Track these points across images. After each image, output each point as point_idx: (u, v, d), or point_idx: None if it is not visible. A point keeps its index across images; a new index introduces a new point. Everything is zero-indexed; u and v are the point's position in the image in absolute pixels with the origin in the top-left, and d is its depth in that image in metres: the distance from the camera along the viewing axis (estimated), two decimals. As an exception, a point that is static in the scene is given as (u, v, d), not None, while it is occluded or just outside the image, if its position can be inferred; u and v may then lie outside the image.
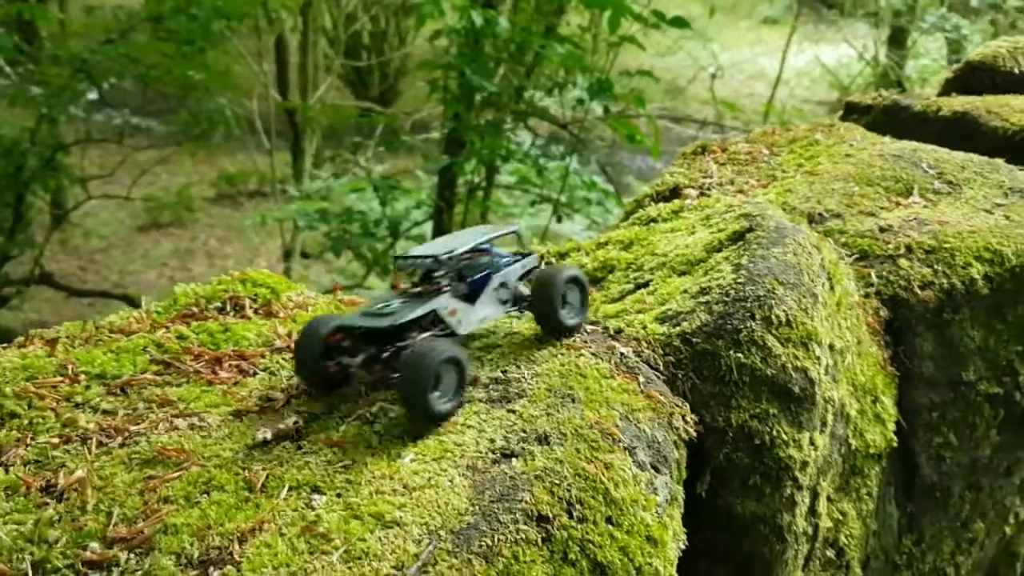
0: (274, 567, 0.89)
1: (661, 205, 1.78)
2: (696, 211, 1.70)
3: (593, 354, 1.26)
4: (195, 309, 1.46)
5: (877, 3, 14.06)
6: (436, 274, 1.27)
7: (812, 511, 1.37)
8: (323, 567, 0.89)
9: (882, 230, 1.84)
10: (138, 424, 1.13)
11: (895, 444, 1.66)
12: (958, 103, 2.48)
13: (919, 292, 1.72)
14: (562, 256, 1.72)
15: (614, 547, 1.01)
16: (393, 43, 16.69)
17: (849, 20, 16.52)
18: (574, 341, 1.28)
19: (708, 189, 1.95)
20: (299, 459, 1.05)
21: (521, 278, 1.34)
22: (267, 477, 1.02)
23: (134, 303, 1.80)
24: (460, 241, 1.30)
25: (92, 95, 8.28)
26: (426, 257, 1.26)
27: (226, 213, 11.94)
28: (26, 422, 1.14)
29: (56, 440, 1.10)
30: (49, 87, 7.75)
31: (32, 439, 1.10)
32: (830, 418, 1.37)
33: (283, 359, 1.30)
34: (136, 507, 0.98)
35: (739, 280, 1.34)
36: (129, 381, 1.22)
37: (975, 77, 3.01)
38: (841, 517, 1.53)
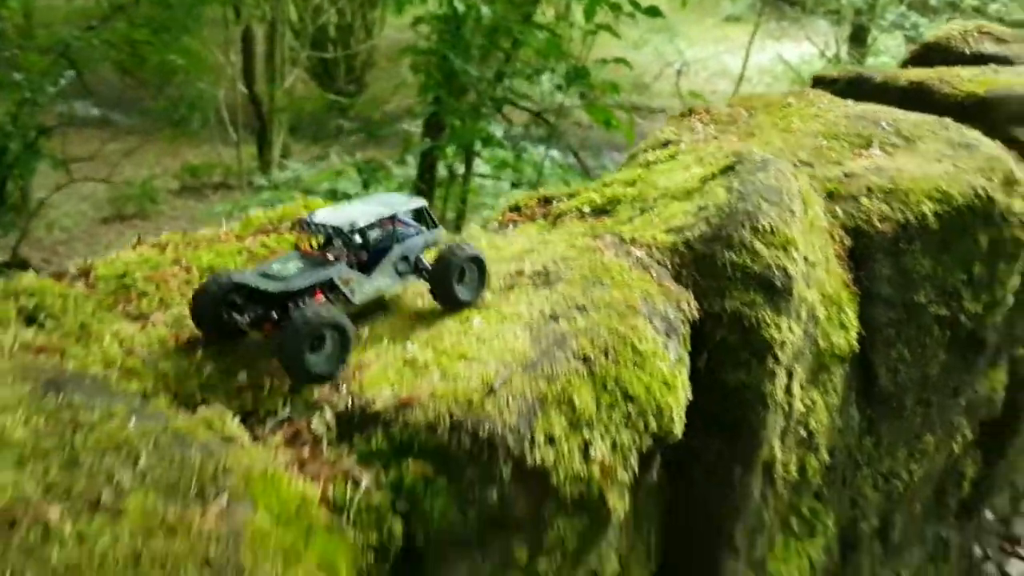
0: (389, 383, 1.16)
1: (659, 151, 2.07)
2: (689, 154, 1.99)
3: (614, 255, 1.54)
4: (269, 227, 1.72)
5: (838, 1, 14.45)
6: (336, 241, 1.31)
7: (788, 390, 1.66)
8: (425, 383, 1.16)
9: (846, 175, 2.14)
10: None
11: (856, 351, 1.96)
12: (914, 74, 2.79)
13: (878, 225, 2.02)
14: (571, 197, 1.99)
15: (640, 384, 1.29)
16: (359, 36, 16.82)
17: (811, 18, 16.85)
18: (598, 243, 1.56)
19: (696, 144, 2.24)
20: (391, 321, 1.32)
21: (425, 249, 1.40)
22: (368, 331, 1.29)
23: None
24: (366, 211, 1.33)
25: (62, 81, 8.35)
26: (328, 226, 1.29)
27: (190, 205, 11.98)
28: (157, 299, 1.39)
29: (185, 311, 1.36)
30: (31, 72, 7.85)
31: (166, 309, 1.36)
32: (804, 314, 1.66)
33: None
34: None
35: (731, 198, 1.63)
36: (234, 272, 1.48)
37: (930, 55, 3.34)
38: (811, 404, 1.83)
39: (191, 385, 1.19)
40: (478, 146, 7.31)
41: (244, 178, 10.40)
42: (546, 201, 2.04)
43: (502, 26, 7.03)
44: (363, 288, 1.30)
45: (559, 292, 1.41)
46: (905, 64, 3.42)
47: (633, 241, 1.60)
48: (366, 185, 7.26)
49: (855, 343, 1.94)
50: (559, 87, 6.72)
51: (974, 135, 2.35)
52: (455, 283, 1.37)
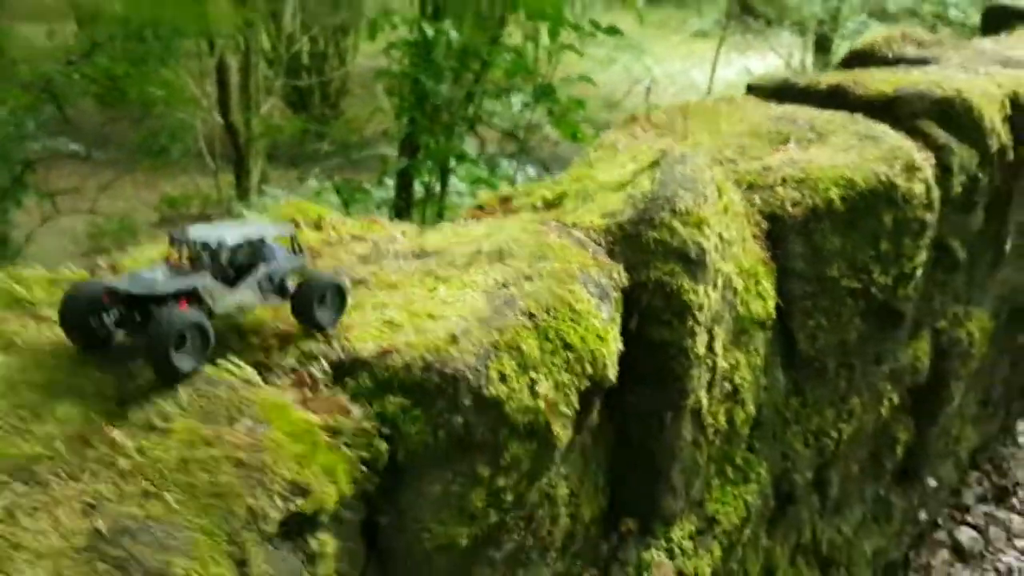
0: (372, 338, 1.46)
1: (601, 152, 2.38)
2: (626, 153, 2.30)
3: (557, 236, 1.84)
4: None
5: (801, 13, 14.89)
6: (204, 256, 1.39)
7: (710, 347, 1.97)
8: (401, 336, 1.46)
9: (764, 168, 2.46)
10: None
11: (775, 318, 2.27)
12: (833, 78, 3.13)
13: (790, 209, 2.34)
14: (527, 195, 2.30)
15: (576, 336, 1.59)
16: (333, 63, 17.14)
17: (775, 30, 17.23)
18: (545, 228, 1.87)
19: (633, 145, 2.55)
20: (372, 292, 1.62)
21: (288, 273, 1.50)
22: (356, 299, 1.59)
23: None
24: (235, 232, 1.42)
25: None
26: (197, 242, 1.38)
27: (170, 236, 12.10)
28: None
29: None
30: (15, 108, 8.09)
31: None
32: (720, 282, 1.98)
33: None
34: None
35: (654, 187, 1.94)
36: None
37: (856, 61, 3.69)
38: (735, 362, 2.13)
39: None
40: (453, 163, 7.60)
41: (224, 206, 10.61)
42: (505, 200, 2.34)
43: (471, 49, 7.34)
44: (224, 300, 1.40)
45: (510, 265, 1.71)
46: (836, 68, 3.78)
47: (574, 225, 1.91)
48: (346, 204, 7.55)
49: (772, 311, 2.25)
50: (527, 104, 7.05)
51: (881, 128, 2.68)
52: (316, 306, 1.47)
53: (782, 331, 2.38)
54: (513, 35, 7.90)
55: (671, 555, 2.05)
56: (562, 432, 1.56)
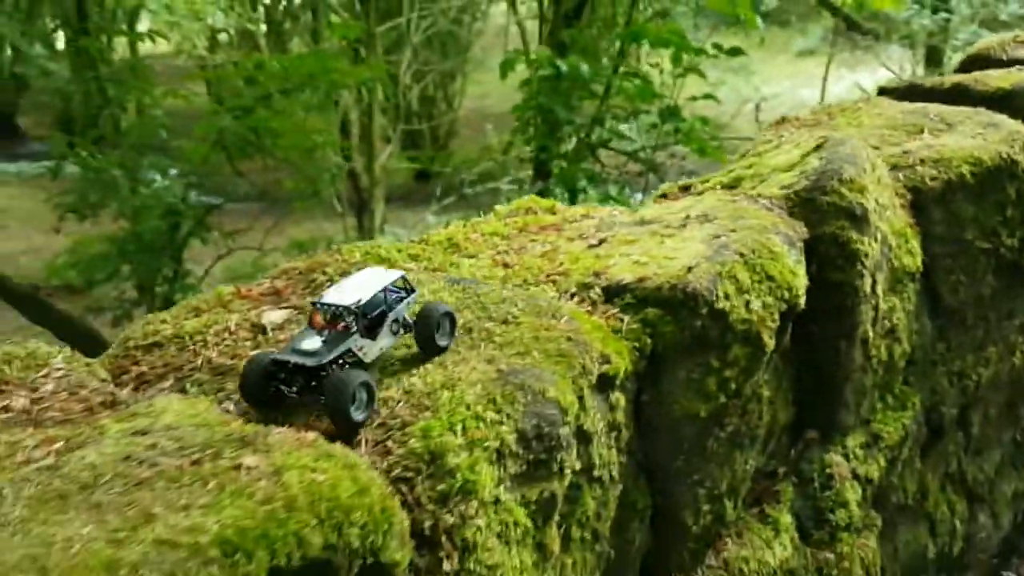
0: (627, 271, 2.03)
1: (767, 143, 2.92)
2: (789, 143, 2.83)
3: (747, 204, 2.38)
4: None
5: (910, 26, 14.97)
6: (345, 315, 1.57)
7: (873, 289, 2.47)
8: (649, 270, 2.02)
9: (904, 152, 2.95)
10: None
11: (922, 271, 2.75)
12: (955, 79, 3.59)
13: (929, 183, 2.82)
14: (704, 182, 2.84)
15: (775, 269, 2.12)
16: (441, 107, 18.06)
17: (884, 45, 17.24)
18: (735, 198, 2.41)
19: (793, 137, 3.07)
20: (616, 247, 2.20)
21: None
22: (606, 251, 2.15)
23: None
24: (363, 288, 1.61)
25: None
26: (339, 306, 1.56)
27: (299, 279, 12.83)
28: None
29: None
30: (190, 160, 9.03)
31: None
32: (879, 236, 2.48)
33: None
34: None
35: (822, 163, 2.47)
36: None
37: (974, 64, 4.13)
38: (892, 305, 2.63)
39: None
40: (583, 183, 8.18)
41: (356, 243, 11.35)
42: (686, 188, 2.89)
43: (596, 78, 7.94)
44: (372, 351, 1.60)
45: (716, 223, 2.26)
46: (955, 71, 4.21)
47: (759, 196, 2.45)
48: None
49: (920, 265, 2.73)
50: (654, 125, 7.62)
51: (1000, 118, 3.13)
52: (436, 334, 1.69)
53: (927, 285, 2.85)
54: (641, 60, 8.51)
55: (847, 459, 2.54)
56: (768, 340, 2.10)
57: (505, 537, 1.57)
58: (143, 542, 1.14)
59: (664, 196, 2.90)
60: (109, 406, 1.55)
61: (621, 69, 8.13)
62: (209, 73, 13.96)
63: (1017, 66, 3.72)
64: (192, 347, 1.78)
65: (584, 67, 7.50)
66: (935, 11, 14.14)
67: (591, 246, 2.24)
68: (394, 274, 1.70)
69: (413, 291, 1.72)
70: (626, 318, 1.96)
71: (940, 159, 2.88)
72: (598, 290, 2.03)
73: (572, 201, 8.55)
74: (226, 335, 1.81)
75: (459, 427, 1.53)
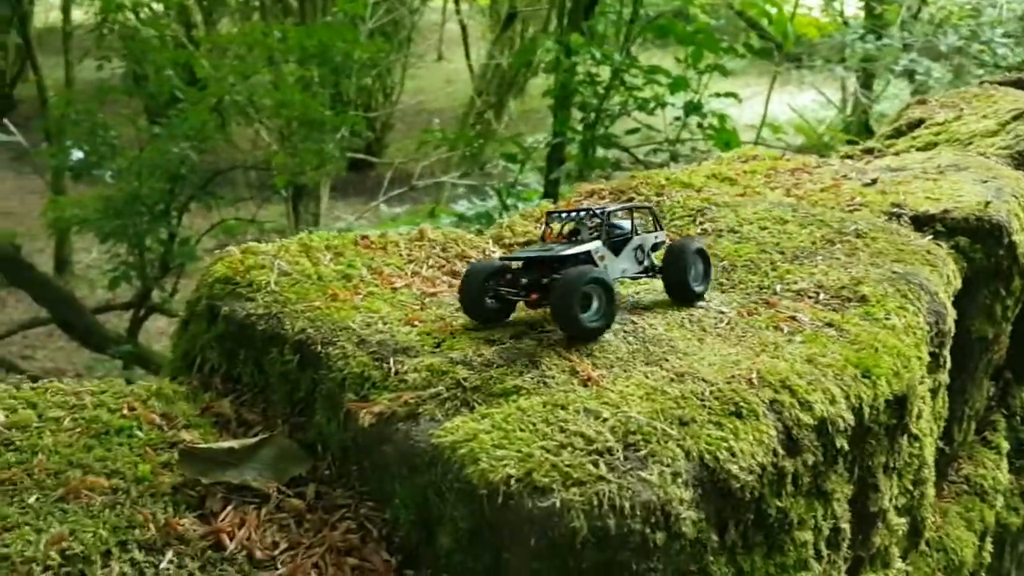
0: (925, 204, 2.24)
1: (945, 113, 3.18)
2: (973, 113, 3.10)
3: (955, 154, 2.63)
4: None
5: (845, 51, 15.54)
6: (583, 231, 1.42)
7: None
8: (946, 204, 2.24)
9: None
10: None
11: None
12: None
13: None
14: (889, 147, 3.09)
15: None
16: (378, 98, 18.07)
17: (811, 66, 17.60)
18: (965, 152, 2.65)
19: (961, 112, 3.35)
20: (884, 188, 2.41)
21: (653, 249, 1.51)
22: (874, 193, 2.37)
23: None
24: (611, 206, 1.46)
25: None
26: (580, 211, 1.41)
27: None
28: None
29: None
30: (199, 123, 8.88)
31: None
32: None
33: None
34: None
35: (1035, 127, 2.74)
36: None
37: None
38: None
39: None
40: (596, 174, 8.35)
41: (296, 230, 11.22)
42: (869, 151, 3.14)
43: (619, 68, 8.10)
44: (613, 266, 1.41)
45: (971, 172, 2.50)
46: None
47: (984, 154, 2.70)
48: (505, 206, 8.32)
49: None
50: (678, 119, 7.89)
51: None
52: (689, 276, 1.48)
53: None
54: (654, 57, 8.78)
55: (1038, 396, 2.82)
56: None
57: (926, 418, 1.77)
58: (789, 360, 1.31)
59: (849, 157, 3.14)
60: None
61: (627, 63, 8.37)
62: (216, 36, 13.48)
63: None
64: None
65: (617, 56, 7.72)
66: (878, 37, 14.72)
67: (866, 184, 2.45)
68: (644, 203, 1.65)
69: (661, 230, 1.57)
70: (943, 244, 2.17)
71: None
72: (906, 219, 2.24)
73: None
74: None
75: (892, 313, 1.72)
